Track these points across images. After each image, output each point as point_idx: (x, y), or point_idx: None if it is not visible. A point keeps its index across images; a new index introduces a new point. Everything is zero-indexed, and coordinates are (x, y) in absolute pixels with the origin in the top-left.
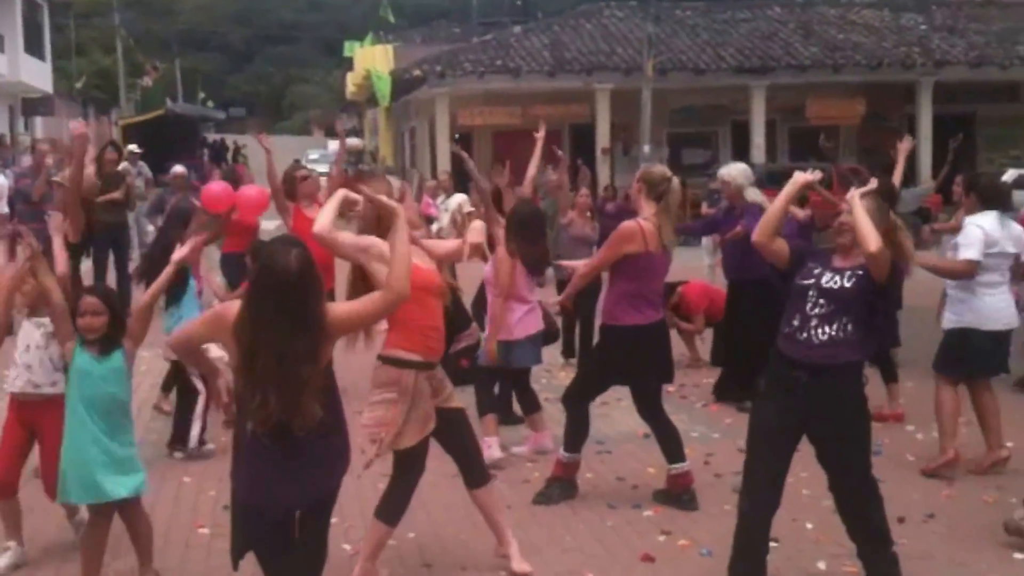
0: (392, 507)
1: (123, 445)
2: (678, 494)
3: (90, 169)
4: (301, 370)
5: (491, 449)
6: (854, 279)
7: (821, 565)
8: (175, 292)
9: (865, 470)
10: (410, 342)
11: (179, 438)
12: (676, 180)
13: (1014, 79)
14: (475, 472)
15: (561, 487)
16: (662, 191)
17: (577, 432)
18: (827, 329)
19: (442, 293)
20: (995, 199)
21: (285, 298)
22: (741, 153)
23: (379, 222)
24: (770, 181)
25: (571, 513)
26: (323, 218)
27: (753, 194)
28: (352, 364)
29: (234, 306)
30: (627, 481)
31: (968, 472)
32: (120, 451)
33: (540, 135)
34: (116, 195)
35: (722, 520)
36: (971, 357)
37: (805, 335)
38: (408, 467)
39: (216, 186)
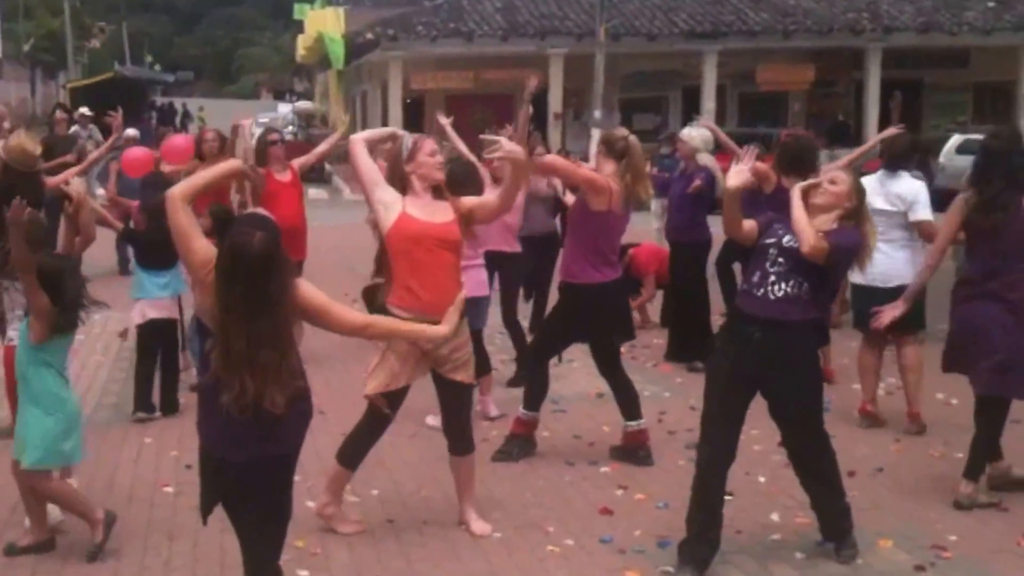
0: (350, 451)
1: (21, 413)
2: (634, 450)
3: (16, 138)
4: (270, 353)
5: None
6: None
7: (775, 517)
8: (168, 257)
9: (817, 425)
10: (398, 297)
11: (142, 403)
12: (634, 137)
13: (962, 45)
14: (456, 442)
15: (520, 444)
16: (621, 149)
17: (537, 391)
18: (783, 286)
19: (442, 245)
20: (884, 159)
21: (251, 282)
22: (691, 118)
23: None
24: (719, 147)
25: (530, 469)
26: (363, 133)
27: (705, 159)
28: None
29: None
30: (584, 439)
31: (905, 430)
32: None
33: (531, 88)
34: (68, 158)
35: (676, 475)
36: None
37: (762, 291)
38: (371, 419)
39: (134, 151)
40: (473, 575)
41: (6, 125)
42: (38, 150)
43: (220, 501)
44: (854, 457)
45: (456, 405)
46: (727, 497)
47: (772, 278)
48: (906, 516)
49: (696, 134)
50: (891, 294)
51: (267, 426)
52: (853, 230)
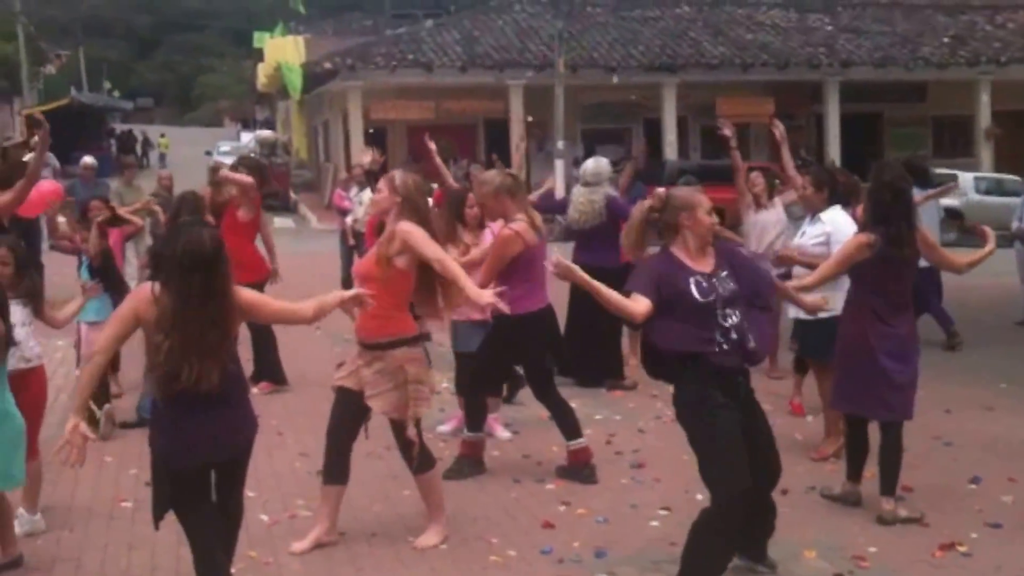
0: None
1: None
2: (578, 468)
3: None
4: (215, 333)
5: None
6: (731, 279)
7: None
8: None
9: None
10: None
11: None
12: (498, 173)
13: (919, 79)
14: (406, 461)
15: (470, 464)
16: (509, 184)
17: (477, 414)
18: (752, 336)
19: (362, 279)
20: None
21: (205, 272)
22: (654, 150)
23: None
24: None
25: (478, 487)
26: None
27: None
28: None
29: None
30: (532, 458)
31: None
32: None
33: (520, 147)
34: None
35: (618, 492)
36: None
37: (732, 344)
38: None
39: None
40: None
41: None
42: None
43: (172, 507)
44: (790, 476)
45: (395, 429)
46: (664, 511)
47: (734, 334)
48: (831, 529)
49: (591, 166)
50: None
51: (214, 432)
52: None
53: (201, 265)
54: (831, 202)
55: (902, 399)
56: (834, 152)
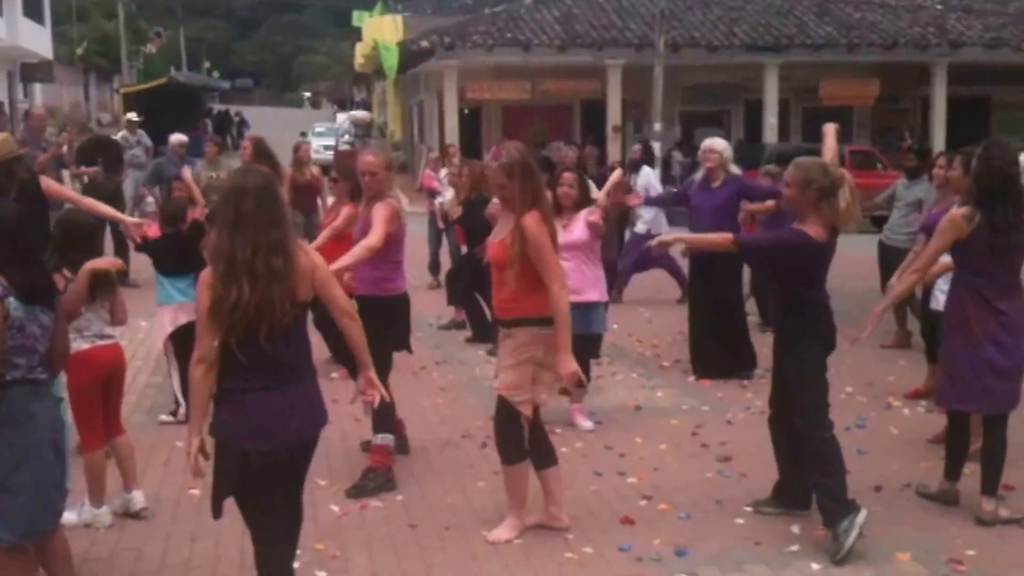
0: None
1: None
2: (375, 472)
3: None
4: (278, 259)
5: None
6: None
7: (795, 529)
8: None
9: None
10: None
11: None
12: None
13: None
14: (534, 455)
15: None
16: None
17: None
18: None
19: (496, 265)
20: None
21: (258, 198)
22: (754, 133)
23: None
24: (782, 162)
25: None
26: None
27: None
28: None
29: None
30: (615, 450)
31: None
32: None
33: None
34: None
35: (703, 487)
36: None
37: None
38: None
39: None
40: None
41: (51, 129)
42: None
43: (232, 494)
44: (883, 473)
45: (499, 413)
46: (749, 509)
47: None
48: (927, 530)
49: (722, 145)
50: None
51: (282, 417)
52: None
53: (252, 191)
54: None
55: (1007, 389)
56: (939, 136)
